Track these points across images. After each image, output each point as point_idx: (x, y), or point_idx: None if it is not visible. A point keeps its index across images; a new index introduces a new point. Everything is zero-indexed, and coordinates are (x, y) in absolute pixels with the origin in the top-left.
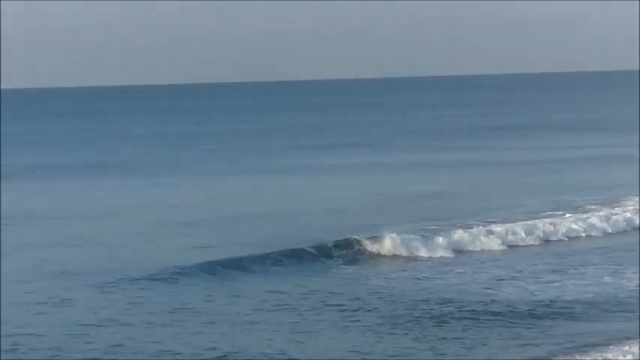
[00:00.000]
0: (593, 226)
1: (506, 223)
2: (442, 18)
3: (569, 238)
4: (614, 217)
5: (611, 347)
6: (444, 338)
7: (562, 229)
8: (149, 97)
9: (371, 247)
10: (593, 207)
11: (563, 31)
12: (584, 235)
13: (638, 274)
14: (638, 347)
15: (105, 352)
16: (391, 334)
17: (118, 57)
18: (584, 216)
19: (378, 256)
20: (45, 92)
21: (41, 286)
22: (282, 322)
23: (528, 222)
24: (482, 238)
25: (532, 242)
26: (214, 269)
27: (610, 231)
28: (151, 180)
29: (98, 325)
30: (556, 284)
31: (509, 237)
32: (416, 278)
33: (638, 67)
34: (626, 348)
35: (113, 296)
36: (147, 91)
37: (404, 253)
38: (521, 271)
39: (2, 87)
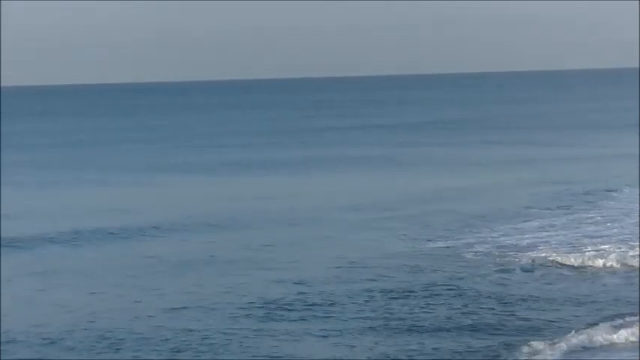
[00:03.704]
0: None
1: None
2: (440, 17)
3: None
4: None
5: None
6: None
7: None
8: (160, 93)
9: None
10: None
11: (562, 30)
12: None
13: None
14: None
15: None
16: None
17: (116, 56)
18: None
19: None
20: (44, 90)
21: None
22: None
23: None
24: None
25: None
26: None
27: None
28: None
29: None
30: None
31: None
32: None
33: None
34: None
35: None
36: (146, 89)
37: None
38: None
39: (2, 85)
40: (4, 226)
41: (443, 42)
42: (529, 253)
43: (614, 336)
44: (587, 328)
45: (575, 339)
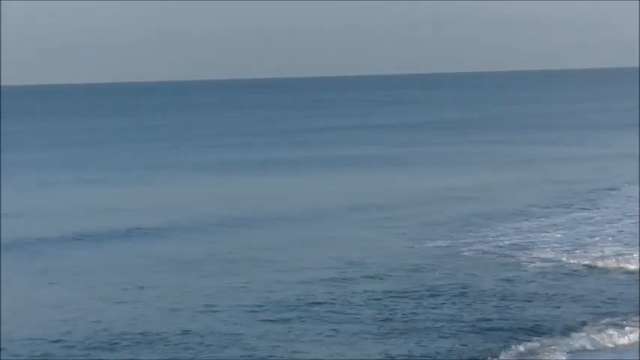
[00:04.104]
0: None
1: None
2: (439, 17)
3: None
4: None
5: None
6: None
7: None
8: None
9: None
10: None
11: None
12: None
13: None
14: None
15: None
16: None
17: (116, 55)
18: None
19: None
20: (44, 89)
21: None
22: None
23: None
24: None
25: None
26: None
27: None
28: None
29: None
30: None
31: None
32: None
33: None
34: None
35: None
36: (146, 88)
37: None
38: None
39: (2, 84)
40: (4, 226)
41: (443, 42)
42: (529, 252)
43: (615, 336)
44: (587, 327)
45: (575, 338)
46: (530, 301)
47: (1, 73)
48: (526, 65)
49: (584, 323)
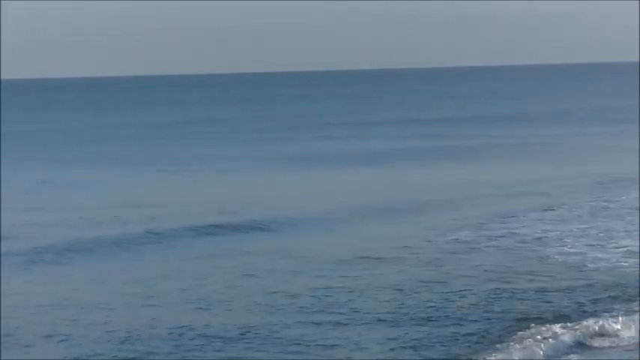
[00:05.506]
0: None
1: None
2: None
3: None
4: None
5: None
6: None
7: None
8: (157, 88)
9: None
10: None
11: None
12: None
13: None
14: None
15: None
16: None
17: (117, 52)
18: None
19: None
20: (45, 84)
21: None
22: None
23: None
24: None
25: None
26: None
27: None
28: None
29: None
30: None
31: None
32: None
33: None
34: None
35: None
36: (147, 84)
37: None
38: None
39: (3, 77)
40: (4, 225)
41: (445, 38)
42: (546, 246)
43: (619, 333)
44: (594, 324)
45: (580, 335)
46: (540, 293)
47: (2, 70)
48: (526, 60)
49: (590, 319)
